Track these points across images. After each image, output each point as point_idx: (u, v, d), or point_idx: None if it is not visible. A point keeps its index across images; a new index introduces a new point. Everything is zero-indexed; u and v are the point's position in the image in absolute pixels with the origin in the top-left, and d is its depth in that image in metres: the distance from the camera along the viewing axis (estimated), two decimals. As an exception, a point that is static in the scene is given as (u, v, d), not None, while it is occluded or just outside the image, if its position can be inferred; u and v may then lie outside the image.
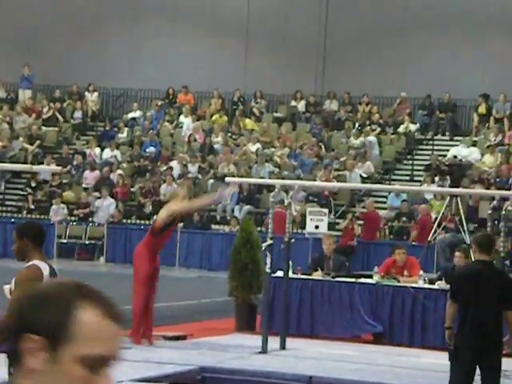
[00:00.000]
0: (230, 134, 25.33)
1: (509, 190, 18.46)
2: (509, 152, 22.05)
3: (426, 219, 19.28)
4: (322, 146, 24.00)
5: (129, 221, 22.52)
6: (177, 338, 10.82)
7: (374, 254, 19.02)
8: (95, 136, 26.23)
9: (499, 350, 6.81)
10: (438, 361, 7.40)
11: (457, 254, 11.26)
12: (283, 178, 21.05)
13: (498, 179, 20.79)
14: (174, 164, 24.01)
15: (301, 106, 26.05)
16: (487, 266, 6.92)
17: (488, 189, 19.09)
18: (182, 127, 25.98)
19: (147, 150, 24.85)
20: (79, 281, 1.65)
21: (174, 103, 26.99)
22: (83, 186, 23.82)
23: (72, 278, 1.68)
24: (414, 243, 18.51)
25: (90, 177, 23.95)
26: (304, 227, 20.36)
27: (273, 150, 24.28)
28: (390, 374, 9.24)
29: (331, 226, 20.67)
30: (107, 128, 26.51)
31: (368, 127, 24.73)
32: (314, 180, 21.35)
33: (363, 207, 21.24)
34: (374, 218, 20.28)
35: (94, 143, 25.33)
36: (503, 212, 10.00)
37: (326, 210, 20.90)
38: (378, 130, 24.66)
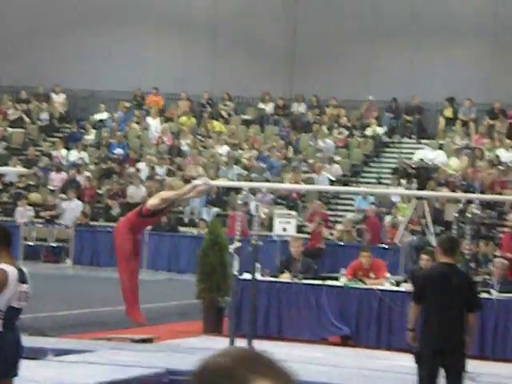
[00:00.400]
0: (198, 137, 25.29)
1: (474, 193, 18.65)
2: (475, 155, 22.26)
3: (374, 221, 19.42)
4: (291, 149, 24.04)
5: (96, 223, 22.39)
6: (144, 341, 10.78)
7: (341, 257, 19.08)
8: (62, 138, 26.06)
9: (463, 352, 6.86)
10: (405, 363, 7.45)
11: (423, 256, 11.34)
12: (251, 181, 21.07)
13: (463, 182, 20.97)
14: (141, 166, 23.92)
15: (269, 108, 26.10)
16: (451, 269, 6.97)
17: (454, 192, 19.25)
18: (149, 129, 25.89)
19: (115, 152, 24.74)
20: (254, 352, 1.64)
21: (142, 105, 26.89)
22: (50, 187, 23.64)
23: (248, 349, 1.67)
24: (369, 246, 18.61)
25: (56, 179, 23.78)
26: (272, 230, 20.37)
27: (241, 152, 24.28)
28: (357, 376, 9.28)
29: (299, 229, 20.71)
30: (74, 130, 26.34)
31: (336, 130, 24.84)
32: (282, 182, 21.39)
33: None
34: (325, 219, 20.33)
35: (60, 145, 25.15)
36: (469, 215, 10.09)
37: (294, 213, 20.94)
38: (346, 133, 24.77)
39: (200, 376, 1.64)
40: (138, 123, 26.25)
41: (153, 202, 10.28)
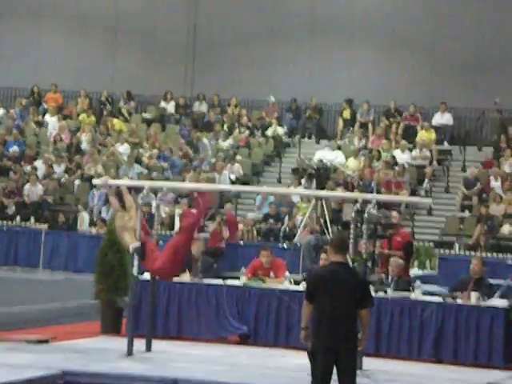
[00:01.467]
0: (97, 134, 24.94)
1: (371, 192, 19.02)
2: (372, 156, 22.70)
3: (230, 218, 19.53)
4: (191, 149, 23.96)
5: (-9, 222, 21.81)
6: (40, 342, 10.56)
7: (242, 256, 19.16)
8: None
9: (355, 350, 6.97)
10: (303, 361, 7.53)
11: (322, 256, 11.50)
12: (152, 179, 20.91)
13: (361, 182, 21.36)
14: (38, 164, 23.43)
15: (170, 107, 25.97)
16: (341, 267, 7.07)
17: (352, 192, 19.59)
18: (47, 127, 25.39)
19: (10, 150, 24.15)
20: None
21: (40, 102, 26.35)
22: None
23: None
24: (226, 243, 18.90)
25: (-51, 176, 23.05)
26: (173, 228, 20.28)
27: (141, 150, 24.08)
28: (255, 374, 9.33)
29: (200, 228, 20.67)
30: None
31: (237, 130, 24.93)
32: (184, 181, 21.31)
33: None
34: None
35: (-47, 142, 24.40)
36: (365, 215, 10.27)
37: (195, 212, 20.87)
38: (247, 132, 24.89)
39: None
40: (35, 121, 25.71)
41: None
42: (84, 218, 21.44)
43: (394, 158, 22.56)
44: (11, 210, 22.05)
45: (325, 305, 6.86)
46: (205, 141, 23.80)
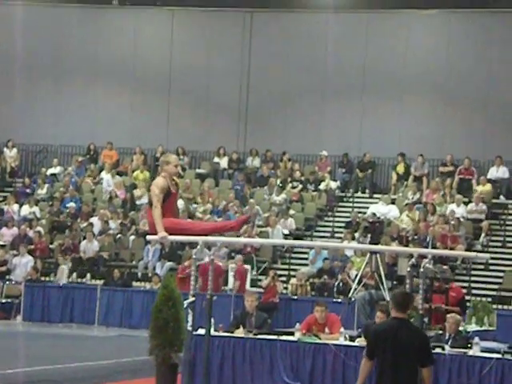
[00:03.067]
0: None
1: (426, 247, 18.83)
2: (426, 210, 22.53)
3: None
4: (252, 202, 23.96)
5: (47, 278, 22.08)
6: (96, 399, 10.57)
7: (296, 311, 19.05)
8: (13, 192, 25.80)
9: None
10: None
11: (378, 314, 11.35)
12: (206, 235, 20.98)
13: (415, 237, 21.17)
14: (94, 220, 23.74)
15: (223, 162, 26.21)
16: (402, 324, 6.98)
17: (406, 246, 19.42)
18: (102, 183, 25.78)
19: (67, 206, 24.54)
20: None
21: (96, 159, 26.82)
22: (0, 243, 23.31)
23: None
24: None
25: (7, 234, 23.47)
26: (226, 284, 20.30)
27: (195, 205, 24.26)
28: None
29: (253, 283, 20.66)
30: (26, 184, 26.12)
31: (290, 184, 25.01)
32: (237, 236, 21.38)
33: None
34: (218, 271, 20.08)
35: (12, 200, 24.90)
36: (421, 269, 10.16)
37: (248, 267, 20.91)
38: (300, 186, 24.95)
39: None
40: (91, 177, 26.14)
41: (154, 191, 9.68)
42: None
43: (453, 212, 22.29)
44: (67, 266, 22.30)
45: (385, 362, 6.78)
46: (256, 208, 23.63)
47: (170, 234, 9.78)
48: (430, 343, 7.23)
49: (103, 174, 26.15)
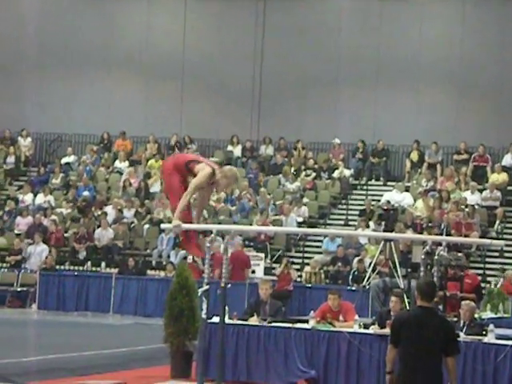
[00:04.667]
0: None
1: (441, 234, 18.78)
2: (441, 197, 22.46)
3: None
4: (263, 190, 23.95)
5: (62, 267, 22.18)
6: (111, 387, 10.63)
7: (310, 299, 19.06)
8: (28, 181, 25.90)
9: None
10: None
11: (392, 298, 11.34)
12: (219, 223, 21.04)
13: (430, 224, 21.12)
14: (108, 209, 23.81)
15: (237, 150, 26.19)
16: (429, 312, 6.96)
17: (421, 233, 19.37)
18: (117, 172, 25.83)
19: (82, 195, 24.61)
20: None
21: (110, 148, 26.87)
22: (15, 232, 23.41)
23: None
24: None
25: (22, 223, 23.57)
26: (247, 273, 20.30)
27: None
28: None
29: (267, 271, 20.68)
30: (41, 173, 26.21)
31: (303, 172, 24.98)
32: (251, 224, 21.39)
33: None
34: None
35: (26, 189, 24.99)
36: (436, 257, 10.14)
37: (262, 255, 20.92)
38: (313, 174, 24.92)
39: None
40: (105, 166, 26.20)
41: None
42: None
43: (465, 199, 22.23)
44: (82, 254, 22.41)
45: (409, 350, 6.76)
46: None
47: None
48: (455, 332, 7.20)
49: (117, 163, 26.20)
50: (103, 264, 22.05)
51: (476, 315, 12.29)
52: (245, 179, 24.86)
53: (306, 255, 21.95)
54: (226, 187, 9.81)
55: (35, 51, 27.51)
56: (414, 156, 24.71)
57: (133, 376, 11.65)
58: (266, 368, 11.28)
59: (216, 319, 10.68)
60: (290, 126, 26.03)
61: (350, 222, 22.92)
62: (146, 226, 23.26)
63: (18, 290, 21.47)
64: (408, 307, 11.62)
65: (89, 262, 22.19)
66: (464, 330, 11.27)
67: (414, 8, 25.86)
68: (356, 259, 20.31)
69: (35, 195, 24.84)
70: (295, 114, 26.26)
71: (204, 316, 10.20)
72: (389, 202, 22.53)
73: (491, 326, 11.21)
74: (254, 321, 11.61)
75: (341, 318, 11.77)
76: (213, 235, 10.60)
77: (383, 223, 19.75)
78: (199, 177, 9.31)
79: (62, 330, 17.22)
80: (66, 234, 23.16)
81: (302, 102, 26.30)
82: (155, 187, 24.77)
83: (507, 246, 20.21)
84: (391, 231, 18.26)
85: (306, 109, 26.23)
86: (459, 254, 14.27)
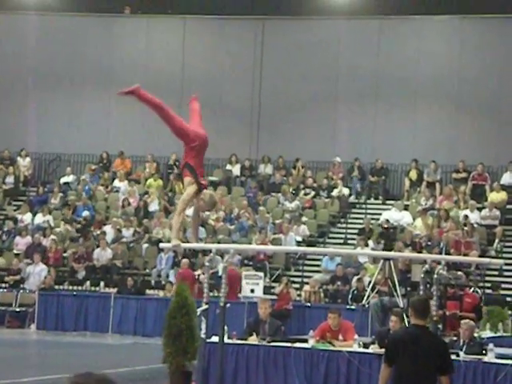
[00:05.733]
0: (165, 197, 25.25)
1: (440, 253, 18.76)
2: (439, 216, 22.46)
3: (232, 274, 18.34)
4: (263, 210, 23.94)
5: (61, 287, 22.13)
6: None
7: (309, 318, 19.02)
8: (27, 201, 25.90)
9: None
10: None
11: (392, 318, 11.33)
12: (218, 242, 21.02)
13: (429, 243, 21.11)
14: (107, 228, 23.79)
15: (236, 169, 26.22)
16: (422, 331, 6.96)
17: (420, 252, 19.36)
18: (117, 191, 25.85)
19: (80, 215, 24.59)
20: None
21: (109, 167, 26.89)
22: (14, 251, 23.39)
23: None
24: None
25: (21, 242, 23.55)
26: (240, 291, 20.27)
27: (208, 213, 24.28)
28: None
29: (267, 290, 20.64)
30: (40, 193, 26.21)
31: (302, 191, 24.99)
32: (250, 243, 21.37)
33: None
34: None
35: (25, 208, 24.98)
36: (435, 276, 10.13)
37: (261, 274, 20.89)
38: (312, 193, 24.93)
39: None
40: (104, 185, 26.21)
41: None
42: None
43: (466, 217, 22.22)
44: (81, 274, 22.36)
45: (403, 368, 6.75)
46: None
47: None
48: (449, 351, 7.19)
49: (116, 183, 26.20)
50: (102, 284, 22.00)
51: (476, 334, 12.26)
52: (244, 198, 24.87)
53: (305, 274, 21.91)
54: (202, 211, 9.96)
55: (35, 71, 27.61)
56: (413, 175, 24.74)
57: (132, 396, 11.59)
58: (265, 388, 11.23)
59: (215, 339, 10.65)
60: (289, 145, 26.07)
61: (349, 241, 22.90)
62: (145, 246, 23.24)
63: (17, 310, 21.41)
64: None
65: (88, 282, 22.15)
66: (464, 349, 11.24)
67: (413, 26, 25.98)
68: (355, 278, 20.29)
69: (34, 215, 24.83)
70: (294, 132, 26.31)
71: (203, 336, 10.17)
72: (388, 220, 22.54)
73: (491, 345, 11.18)
74: (253, 340, 11.58)
75: (340, 337, 11.74)
76: (211, 254, 10.59)
77: (382, 242, 19.75)
78: (185, 194, 9.55)
79: (61, 350, 17.16)
80: (64, 254, 23.13)
81: (301, 120, 26.36)
82: (154, 206, 24.77)
83: (506, 264, 20.19)
84: (390, 250, 18.25)
85: (305, 127, 26.29)
86: (459, 273, 14.24)
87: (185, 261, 20.95)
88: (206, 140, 9.59)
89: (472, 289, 15.08)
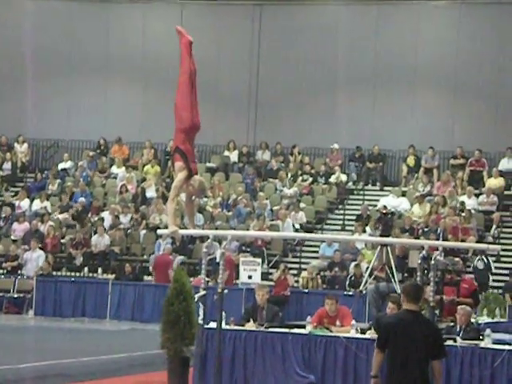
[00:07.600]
0: (164, 184, 25.24)
1: (437, 239, 18.79)
2: (437, 202, 22.48)
3: (227, 260, 18.22)
4: (261, 195, 23.94)
5: (59, 273, 22.15)
6: (107, 393, 10.61)
7: (307, 304, 19.06)
8: (24, 187, 25.88)
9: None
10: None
11: (390, 305, 11.34)
12: (216, 228, 21.04)
13: (426, 229, 21.13)
14: (105, 215, 23.78)
15: (233, 156, 26.20)
16: (415, 316, 6.97)
17: (417, 238, 19.39)
18: (114, 178, 25.83)
19: (78, 201, 24.59)
20: None
21: (106, 154, 26.86)
22: (12, 238, 23.39)
23: None
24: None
25: (18, 229, 23.55)
26: (237, 277, 20.31)
27: (205, 199, 24.28)
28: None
29: (264, 276, 20.68)
30: (37, 179, 26.19)
31: (300, 177, 24.99)
32: (248, 230, 21.39)
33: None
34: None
35: (23, 195, 24.97)
36: (432, 262, 10.14)
37: (259, 260, 20.92)
38: (310, 179, 24.93)
39: None
40: (101, 172, 26.19)
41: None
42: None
43: (462, 203, 22.24)
44: (79, 260, 22.38)
45: (396, 353, 6.77)
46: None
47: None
48: (442, 336, 7.21)
49: (114, 169, 26.19)
50: (100, 270, 22.03)
51: (472, 320, 12.29)
52: (241, 184, 24.86)
53: (302, 260, 21.94)
54: (194, 196, 9.99)
55: (32, 58, 27.51)
56: (411, 161, 24.74)
57: (130, 382, 11.64)
58: (263, 373, 11.27)
59: (213, 325, 10.67)
60: (287, 131, 26.05)
61: (347, 227, 22.93)
62: (143, 232, 23.25)
63: (15, 296, 21.44)
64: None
65: (85, 268, 22.17)
66: (460, 335, 11.27)
67: (411, 11, 25.92)
68: (353, 264, 20.33)
69: (32, 201, 24.81)
70: (291, 119, 26.28)
71: (201, 322, 10.19)
72: (385, 206, 22.56)
73: (488, 331, 11.21)
74: (250, 326, 11.61)
75: (338, 322, 11.77)
76: (209, 240, 10.60)
77: (380, 228, 19.76)
78: (176, 181, 9.56)
79: (59, 336, 17.20)
80: (62, 240, 23.13)
81: (299, 106, 26.33)
82: (151, 192, 24.76)
83: (503, 250, 20.23)
84: (388, 236, 18.27)
85: (303, 114, 26.25)
86: (456, 259, 14.27)
87: (167, 246, 21.02)
88: (195, 124, 9.52)
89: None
